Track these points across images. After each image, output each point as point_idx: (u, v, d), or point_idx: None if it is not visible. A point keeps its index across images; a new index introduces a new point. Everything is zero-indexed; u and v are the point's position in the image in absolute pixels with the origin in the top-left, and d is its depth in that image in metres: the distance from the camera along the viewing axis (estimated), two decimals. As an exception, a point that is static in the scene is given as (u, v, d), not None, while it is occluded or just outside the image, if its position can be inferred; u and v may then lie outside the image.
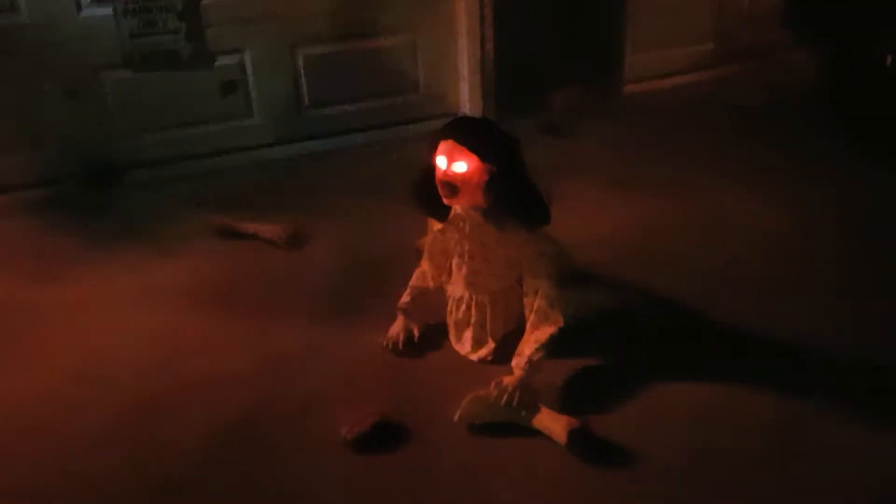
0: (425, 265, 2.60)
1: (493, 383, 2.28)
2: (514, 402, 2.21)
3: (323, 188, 3.73)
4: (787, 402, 2.24)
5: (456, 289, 2.55)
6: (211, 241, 3.28)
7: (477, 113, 4.22)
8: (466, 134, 2.27)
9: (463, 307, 2.52)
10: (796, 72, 4.11)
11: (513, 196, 2.27)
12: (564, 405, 2.26)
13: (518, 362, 2.30)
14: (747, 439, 2.15)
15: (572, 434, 2.10)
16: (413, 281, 2.62)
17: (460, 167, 2.27)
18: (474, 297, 2.50)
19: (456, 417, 2.22)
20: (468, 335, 2.52)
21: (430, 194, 2.34)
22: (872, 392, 2.28)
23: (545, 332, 2.32)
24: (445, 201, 2.34)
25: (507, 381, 2.27)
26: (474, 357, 2.50)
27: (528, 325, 2.35)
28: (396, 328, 2.59)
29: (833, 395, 2.27)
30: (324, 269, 3.03)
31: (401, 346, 2.54)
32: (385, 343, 2.56)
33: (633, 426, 2.19)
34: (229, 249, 3.24)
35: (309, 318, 2.75)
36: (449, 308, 2.58)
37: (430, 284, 2.59)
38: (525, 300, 2.39)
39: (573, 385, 2.36)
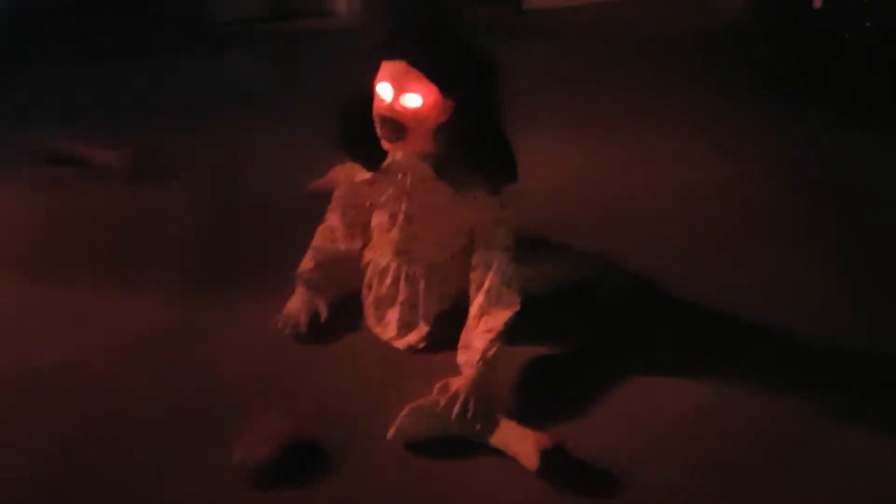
0: (333, 220, 1.99)
1: (436, 387, 1.74)
2: (468, 414, 1.69)
3: (185, 96, 2.96)
4: (776, 399, 1.86)
5: (379, 256, 1.96)
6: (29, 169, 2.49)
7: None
8: (425, 53, 1.67)
9: (388, 280, 1.95)
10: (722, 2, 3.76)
11: (479, 144, 1.71)
12: (526, 413, 1.76)
13: (468, 359, 1.78)
14: (741, 449, 1.75)
15: (546, 455, 1.62)
16: (317, 240, 2.00)
17: (412, 101, 1.67)
18: (404, 269, 1.94)
19: (390, 434, 1.67)
20: (393, 316, 1.96)
21: (361, 132, 1.73)
22: (868, 385, 1.94)
23: (499, 317, 1.80)
24: (384, 145, 1.75)
25: (456, 384, 1.73)
26: (400, 344, 1.94)
27: (475, 308, 1.82)
28: (296, 304, 1.98)
29: (826, 389, 1.90)
30: (189, 218, 2.32)
31: (303, 328, 1.94)
32: (281, 324, 1.95)
33: (613, 438, 1.73)
34: (55, 182, 2.46)
35: (172, 290, 2.08)
36: (367, 279, 2.00)
37: (341, 247, 1.99)
38: (472, 275, 1.85)
39: (534, 385, 1.86)
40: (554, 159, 2.71)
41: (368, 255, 2.01)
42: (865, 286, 2.20)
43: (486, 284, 1.83)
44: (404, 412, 1.67)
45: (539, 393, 1.85)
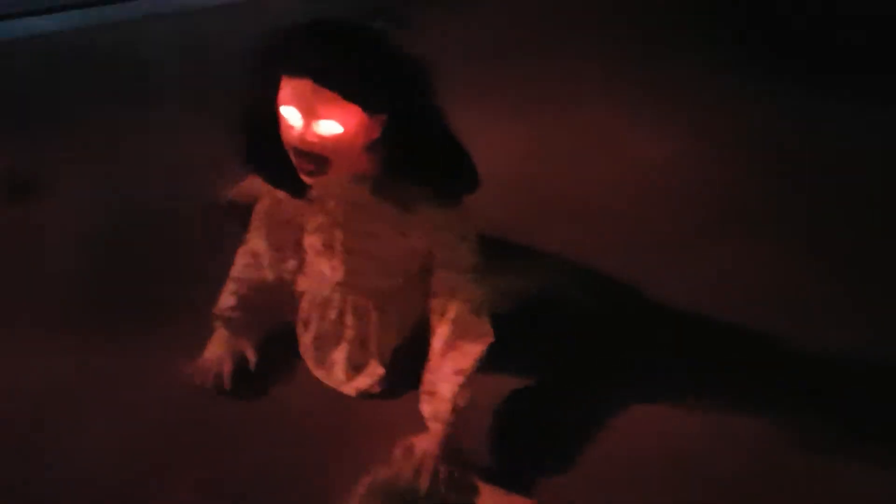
0: (257, 242, 1.59)
1: (397, 451, 1.40)
2: (440, 484, 1.35)
3: (58, 90, 2.45)
4: (761, 422, 1.56)
5: (317, 285, 1.58)
6: None
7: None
8: (336, 66, 1.26)
9: (331, 314, 1.57)
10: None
11: (426, 155, 1.35)
12: (507, 471, 1.42)
13: (434, 410, 1.42)
14: (741, 487, 1.48)
15: (540, 532, 1.32)
16: (237, 269, 1.61)
17: (329, 128, 1.29)
18: (350, 300, 1.56)
19: (343, 518, 1.35)
20: (339, 356, 1.58)
21: (272, 154, 1.35)
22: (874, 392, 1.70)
23: (468, 353, 1.45)
24: (305, 179, 1.36)
25: (421, 445, 1.38)
26: (350, 389, 1.58)
27: (439, 341, 1.46)
28: (216, 350, 1.59)
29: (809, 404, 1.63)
30: (76, 244, 1.89)
31: (226, 379, 1.56)
32: (199, 376, 1.56)
33: (605, 494, 1.42)
34: None
35: (53, 331, 1.66)
36: (303, 313, 1.62)
37: (268, 276, 1.60)
38: (432, 302, 1.49)
39: (511, 432, 1.52)
40: (495, 146, 2.32)
41: (303, 284, 1.62)
42: (860, 284, 1.90)
43: (451, 313, 1.47)
44: (360, 489, 1.32)
45: (517, 442, 1.50)
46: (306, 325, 1.61)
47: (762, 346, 1.71)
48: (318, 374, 1.60)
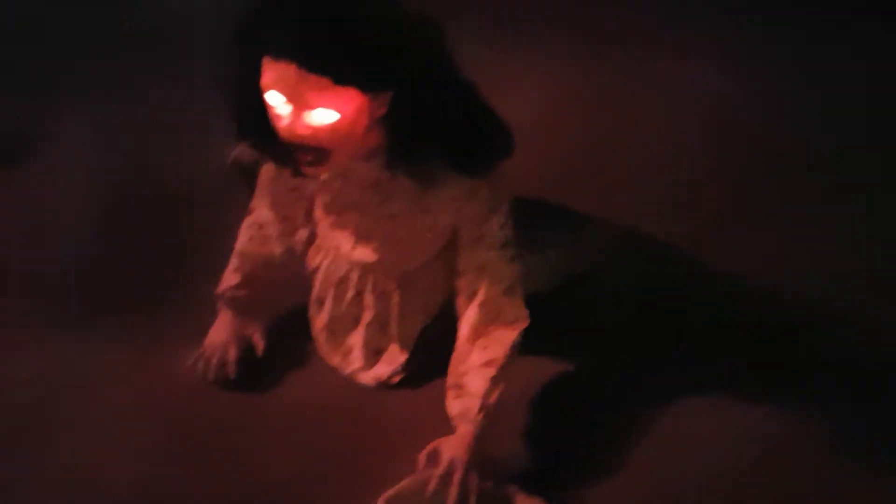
0: (262, 212, 1.41)
1: (422, 457, 1.22)
2: (470, 496, 1.19)
3: (48, 40, 2.19)
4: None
5: (333, 261, 1.40)
6: None
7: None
8: (325, 45, 1.06)
9: (348, 294, 1.40)
10: None
11: (441, 126, 1.14)
12: (545, 478, 1.25)
13: (463, 409, 1.24)
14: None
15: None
16: (242, 242, 1.44)
17: (322, 118, 1.10)
18: (370, 280, 1.38)
19: (360, 535, 1.20)
20: (356, 341, 1.41)
21: (266, 133, 1.15)
22: None
23: (501, 340, 1.27)
24: (304, 170, 1.18)
25: (449, 451, 1.20)
26: (368, 378, 1.40)
27: (467, 327, 1.28)
28: (220, 335, 1.42)
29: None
30: (65, 219, 1.69)
31: (232, 368, 1.39)
32: (201, 365, 1.39)
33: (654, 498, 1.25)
34: None
35: (43, 319, 1.50)
36: (316, 292, 1.44)
37: (275, 249, 1.43)
38: (459, 281, 1.31)
39: (545, 432, 1.33)
40: (527, 94, 2.00)
41: (316, 259, 1.44)
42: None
43: (481, 295, 1.28)
44: (380, 503, 1.17)
45: (555, 443, 1.32)
46: (320, 305, 1.43)
47: (844, 332, 1.50)
48: (333, 361, 1.43)
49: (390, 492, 1.16)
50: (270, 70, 1.09)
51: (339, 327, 1.42)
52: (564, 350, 1.45)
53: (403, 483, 1.17)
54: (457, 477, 1.17)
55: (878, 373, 1.44)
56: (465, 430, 1.23)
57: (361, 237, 1.31)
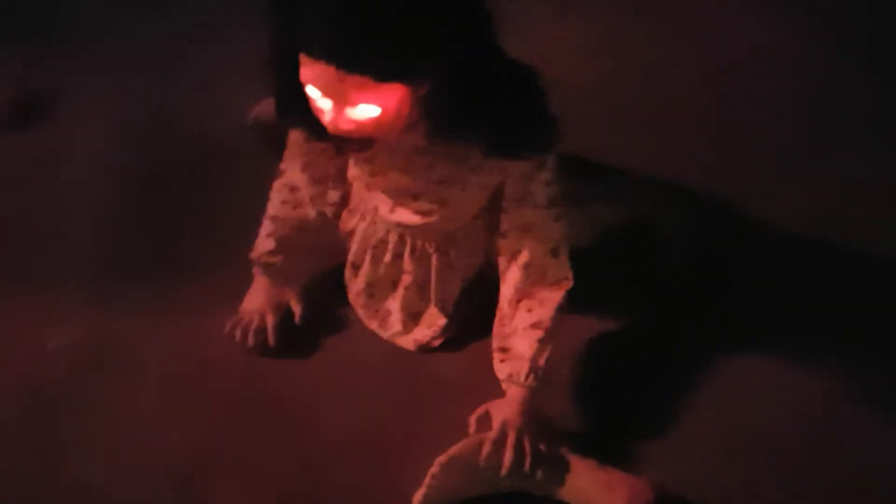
0: (293, 174, 1.37)
1: (473, 420, 1.21)
2: (525, 460, 1.17)
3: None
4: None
5: (370, 223, 1.37)
6: None
7: None
8: (365, 44, 1.01)
9: (386, 257, 1.37)
10: None
11: (481, 110, 1.10)
12: (599, 441, 1.24)
13: (512, 371, 1.22)
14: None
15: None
16: (274, 206, 1.39)
17: (364, 112, 1.07)
18: (408, 241, 1.36)
19: (417, 501, 1.14)
20: (395, 304, 1.38)
21: (306, 110, 1.11)
22: None
23: (546, 302, 1.24)
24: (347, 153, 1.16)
25: (501, 414, 1.19)
26: (408, 342, 1.38)
27: (510, 288, 1.26)
28: (257, 301, 1.39)
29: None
30: (84, 178, 1.64)
31: (271, 335, 1.37)
32: (239, 332, 1.36)
33: (717, 468, 1.22)
34: None
35: (75, 292, 1.45)
36: (353, 255, 1.41)
37: (309, 213, 1.39)
38: (502, 242, 1.28)
39: (598, 392, 1.32)
40: (562, 42, 1.93)
41: (351, 221, 1.40)
42: None
43: (525, 256, 1.26)
44: (434, 469, 1.14)
45: (605, 402, 1.31)
46: (356, 269, 1.41)
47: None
48: (371, 325, 1.40)
49: (443, 457, 1.14)
50: (308, 66, 1.05)
51: (377, 291, 1.40)
52: (609, 307, 1.43)
53: (456, 447, 1.16)
54: (510, 440, 1.15)
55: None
56: (515, 393, 1.22)
57: (402, 199, 1.28)
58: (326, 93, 1.07)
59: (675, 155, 1.68)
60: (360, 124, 1.09)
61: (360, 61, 1.02)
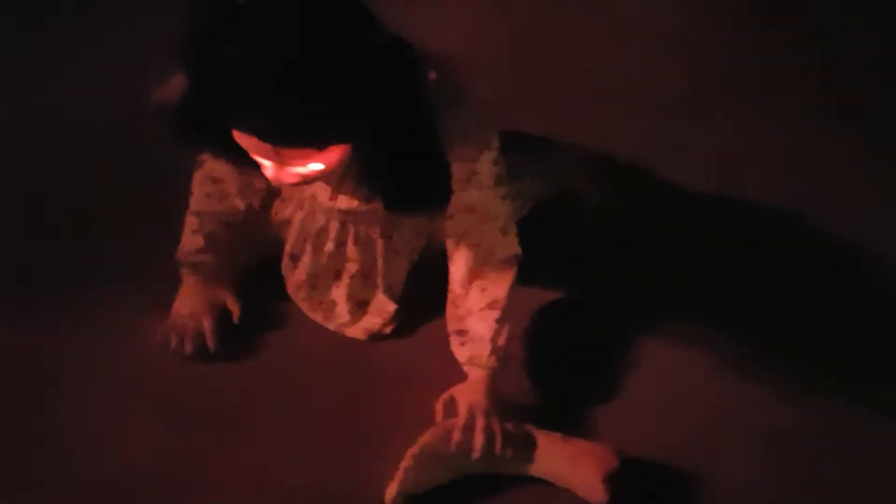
0: (216, 166, 1.27)
1: (439, 406, 1.18)
2: (497, 443, 1.15)
3: None
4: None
5: (307, 213, 1.30)
6: None
7: None
8: (300, 121, 0.97)
9: (328, 246, 1.31)
10: None
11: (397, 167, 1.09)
12: (549, 407, 1.25)
13: (472, 354, 1.20)
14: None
15: (613, 480, 1.14)
16: (197, 200, 1.30)
17: (307, 168, 1.04)
18: (351, 228, 1.30)
19: (390, 496, 1.12)
20: (339, 294, 1.33)
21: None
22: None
23: (499, 281, 1.22)
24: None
25: (466, 398, 1.17)
26: (357, 332, 1.33)
27: (461, 269, 1.23)
28: (189, 304, 1.30)
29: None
30: None
31: (211, 342, 1.28)
32: (174, 339, 1.28)
33: (665, 435, 1.25)
34: None
35: None
36: (290, 246, 1.34)
37: (238, 205, 1.31)
38: (449, 223, 1.23)
39: (550, 365, 1.31)
40: (471, 20, 1.89)
41: (285, 210, 1.33)
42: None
43: (474, 236, 1.22)
44: (406, 461, 1.11)
45: (555, 375, 1.31)
46: (296, 260, 1.34)
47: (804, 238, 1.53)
48: (316, 317, 1.35)
49: (415, 448, 1.12)
50: (242, 136, 1.00)
51: (320, 282, 1.34)
52: (543, 279, 1.42)
53: (426, 437, 1.13)
54: (479, 423, 1.14)
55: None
56: (478, 376, 1.20)
57: (343, 186, 1.22)
58: (265, 158, 1.03)
59: (592, 125, 1.68)
60: (304, 175, 1.06)
61: (301, 138, 0.99)
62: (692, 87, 1.77)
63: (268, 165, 1.05)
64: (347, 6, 0.99)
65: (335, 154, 1.03)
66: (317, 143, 1.00)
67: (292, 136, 0.98)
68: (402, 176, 1.08)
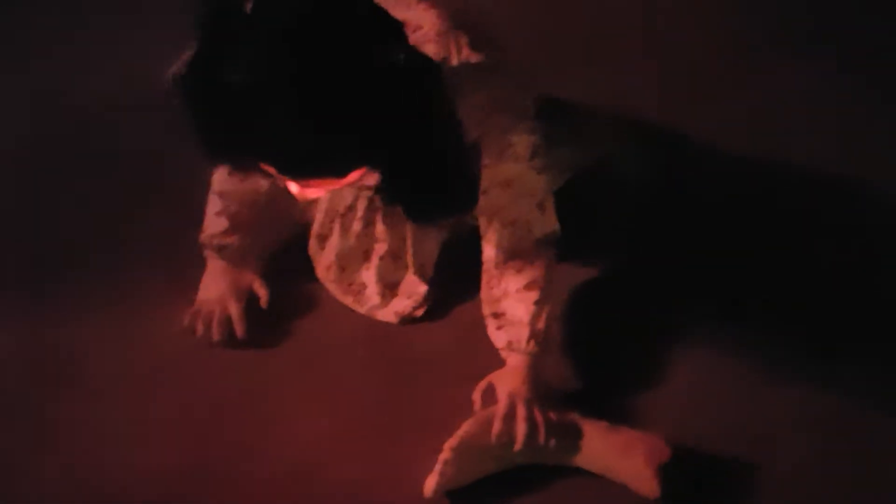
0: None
1: (477, 395, 1.12)
2: (540, 434, 1.09)
3: None
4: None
5: (335, 192, 1.23)
6: None
7: None
8: (318, 154, 0.91)
9: (355, 227, 1.25)
10: None
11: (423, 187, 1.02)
12: (593, 392, 1.18)
13: (510, 338, 1.14)
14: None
15: (666, 472, 1.07)
16: (220, 181, 1.24)
17: (328, 187, 1.02)
18: (380, 207, 1.23)
19: (429, 489, 1.07)
20: (369, 276, 1.27)
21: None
22: None
23: (538, 259, 1.15)
24: None
25: (505, 387, 1.11)
26: (388, 315, 1.27)
27: (495, 248, 1.15)
28: (214, 289, 1.25)
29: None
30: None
31: (239, 328, 1.23)
32: (199, 327, 1.23)
33: (723, 429, 1.17)
34: None
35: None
36: (317, 227, 1.28)
37: (261, 183, 1.22)
38: (482, 200, 1.14)
39: (587, 342, 1.24)
40: None
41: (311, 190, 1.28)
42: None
43: (510, 212, 1.15)
44: (445, 455, 1.06)
45: (597, 359, 1.24)
46: (323, 241, 1.28)
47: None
48: (346, 300, 1.29)
49: (454, 440, 1.06)
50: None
51: (349, 263, 1.28)
52: (582, 254, 1.34)
53: (465, 428, 1.08)
54: (521, 413, 1.08)
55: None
56: (517, 362, 1.14)
57: None
58: (285, 181, 0.98)
59: (623, 88, 1.59)
60: (328, 190, 1.07)
61: (320, 172, 0.96)
62: (724, 50, 1.66)
63: (291, 185, 1.00)
64: (365, 24, 0.92)
65: (355, 174, 0.98)
66: (336, 174, 0.97)
67: (311, 170, 0.95)
68: (422, 189, 1.03)
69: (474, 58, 1.08)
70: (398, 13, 1.00)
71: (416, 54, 0.95)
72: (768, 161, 1.50)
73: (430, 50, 1.04)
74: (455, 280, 1.28)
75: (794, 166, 1.49)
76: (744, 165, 1.50)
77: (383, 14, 0.94)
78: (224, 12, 0.91)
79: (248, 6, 0.89)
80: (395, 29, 0.95)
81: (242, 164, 1.01)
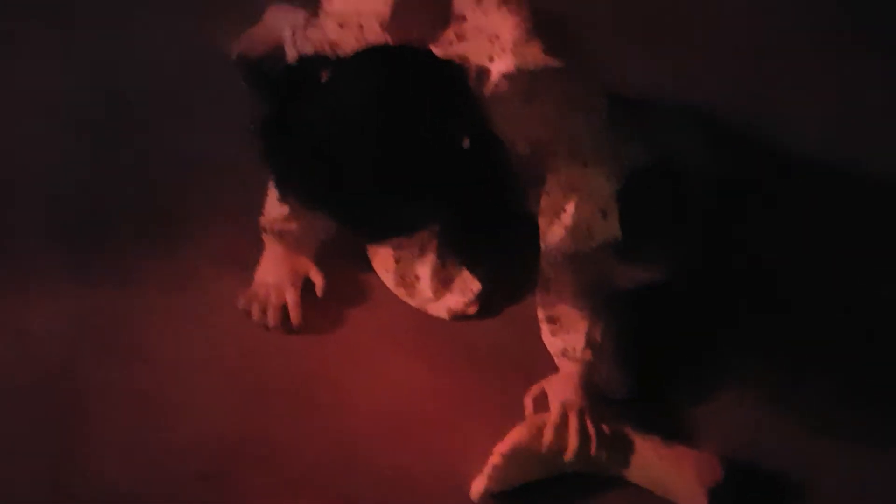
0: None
1: (528, 401, 1.12)
2: (592, 446, 1.09)
3: None
4: None
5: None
6: None
7: None
8: (395, 218, 1.00)
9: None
10: None
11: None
12: (647, 410, 1.16)
13: (565, 346, 1.13)
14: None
15: (718, 493, 1.07)
16: (283, 168, 1.28)
17: None
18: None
19: (477, 492, 1.08)
20: (424, 270, 1.27)
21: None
22: None
23: (597, 264, 1.14)
24: None
25: (559, 395, 1.11)
26: (440, 310, 1.26)
27: (552, 252, 1.14)
28: (271, 274, 1.25)
29: None
30: (42, 127, 1.42)
31: (295, 315, 1.23)
32: (254, 310, 1.23)
33: (775, 445, 1.16)
34: None
35: (56, 267, 1.28)
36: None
37: (325, 170, 1.28)
38: (544, 199, 1.14)
39: (641, 351, 1.21)
40: None
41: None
42: None
43: (570, 217, 1.13)
44: (495, 460, 1.06)
45: (649, 370, 1.21)
46: (378, 232, 1.29)
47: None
48: (399, 292, 1.28)
49: (504, 446, 1.06)
50: None
51: (405, 256, 1.27)
52: (646, 257, 1.30)
53: (515, 434, 1.07)
54: (573, 424, 1.07)
55: None
56: (571, 369, 1.13)
57: None
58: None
59: (684, 81, 1.54)
60: None
61: (389, 235, 1.10)
62: (795, 40, 1.60)
63: None
64: (436, 102, 0.97)
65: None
66: (404, 234, 1.09)
67: (380, 235, 1.09)
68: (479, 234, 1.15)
69: (550, 63, 1.06)
70: (476, 19, 0.99)
71: (483, 130, 1.00)
72: (843, 157, 1.44)
73: (506, 61, 1.03)
74: (509, 279, 1.27)
75: (872, 163, 1.43)
76: (817, 162, 1.45)
77: (451, 86, 0.99)
78: (300, 78, 0.98)
79: (324, 75, 0.96)
80: (464, 98, 0.99)
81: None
